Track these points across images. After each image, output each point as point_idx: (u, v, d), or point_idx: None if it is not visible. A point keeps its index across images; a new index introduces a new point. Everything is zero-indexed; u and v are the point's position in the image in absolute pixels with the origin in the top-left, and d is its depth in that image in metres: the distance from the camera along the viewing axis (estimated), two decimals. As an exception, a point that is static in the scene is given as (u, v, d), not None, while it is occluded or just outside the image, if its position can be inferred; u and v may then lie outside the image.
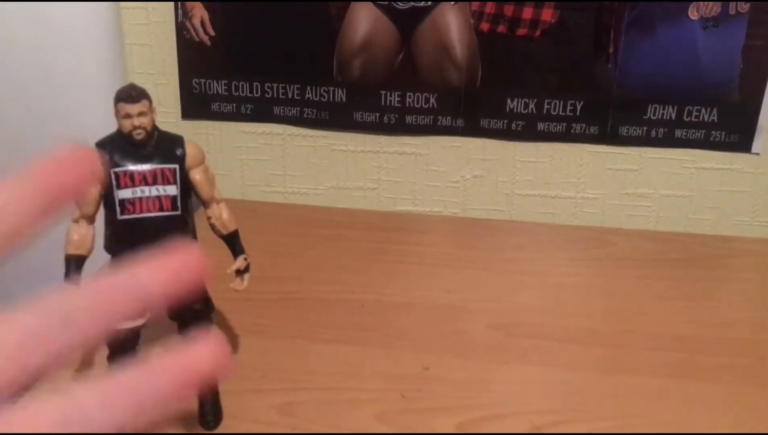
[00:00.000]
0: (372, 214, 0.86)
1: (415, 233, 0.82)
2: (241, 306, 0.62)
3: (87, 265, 0.46)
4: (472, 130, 0.83)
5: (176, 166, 0.46)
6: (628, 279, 0.72)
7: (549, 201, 0.85)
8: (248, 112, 0.85)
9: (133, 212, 0.45)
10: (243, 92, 0.84)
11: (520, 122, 0.81)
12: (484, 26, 0.78)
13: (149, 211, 0.45)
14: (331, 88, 0.82)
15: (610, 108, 0.80)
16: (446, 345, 0.60)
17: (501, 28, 0.78)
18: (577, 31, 0.77)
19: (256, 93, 0.84)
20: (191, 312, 0.49)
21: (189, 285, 0.19)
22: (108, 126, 0.46)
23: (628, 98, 0.79)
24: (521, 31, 0.77)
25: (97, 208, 0.45)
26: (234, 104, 0.85)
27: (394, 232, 0.81)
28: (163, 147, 0.46)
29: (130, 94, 0.44)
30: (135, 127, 0.44)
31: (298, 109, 0.84)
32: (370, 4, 0.78)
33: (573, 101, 0.80)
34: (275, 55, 0.82)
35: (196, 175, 0.47)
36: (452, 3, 0.77)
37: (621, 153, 0.82)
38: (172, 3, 0.81)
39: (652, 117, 0.79)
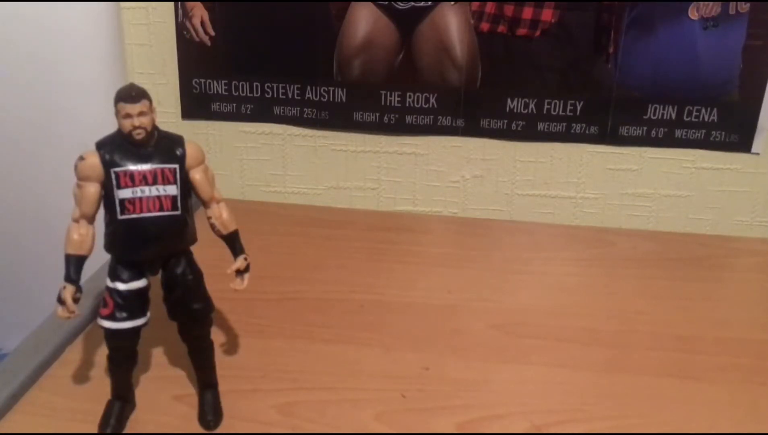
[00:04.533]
0: (372, 214, 0.86)
1: (415, 233, 0.82)
2: (241, 306, 0.62)
3: (87, 265, 0.46)
4: (472, 130, 0.83)
5: (176, 166, 0.46)
6: (628, 279, 0.72)
7: (549, 201, 0.85)
8: (248, 112, 0.85)
9: (133, 212, 0.45)
10: (243, 92, 0.84)
11: (520, 122, 0.81)
12: (484, 26, 0.78)
13: (149, 211, 0.45)
14: (331, 88, 0.82)
15: (610, 108, 0.80)
16: (446, 345, 0.60)
17: (501, 28, 0.78)
18: (577, 31, 0.77)
19: (256, 93, 0.84)
20: (191, 312, 0.49)
21: None
22: (108, 126, 0.46)
23: (628, 98, 0.79)
24: (521, 31, 0.77)
25: (97, 208, 0.45)
26: (234, 104, 0.85)
27: (394, 232, 0.81)
28: (163, 147, 0.46)
29: (130, 94, 0.44)
30: (135, 127, 0.44)
31: (298, 109, 0.84)
32: (370, 4, 0.78)
33: (573, 101, 0.80)
34: (275, 55, 0.82)
35: (196, 175, 0.47)
36: (452, 3, 0.77)
37: (621, 153, 0.82)
38: (172, 3, 0.81)
39: (652, 117, 0.79)
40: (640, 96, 0.79)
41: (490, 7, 0.77)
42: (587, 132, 0.81)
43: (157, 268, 0.48)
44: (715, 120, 0.79)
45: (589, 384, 0.56)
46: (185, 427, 0.50)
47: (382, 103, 0.82)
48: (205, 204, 0.48)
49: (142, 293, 0.48)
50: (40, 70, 0.80)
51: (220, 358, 0.53)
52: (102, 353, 0.51)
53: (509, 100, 0.81)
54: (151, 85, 0.82)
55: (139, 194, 0.45)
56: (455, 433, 0.50)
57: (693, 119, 0.79)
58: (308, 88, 0.83)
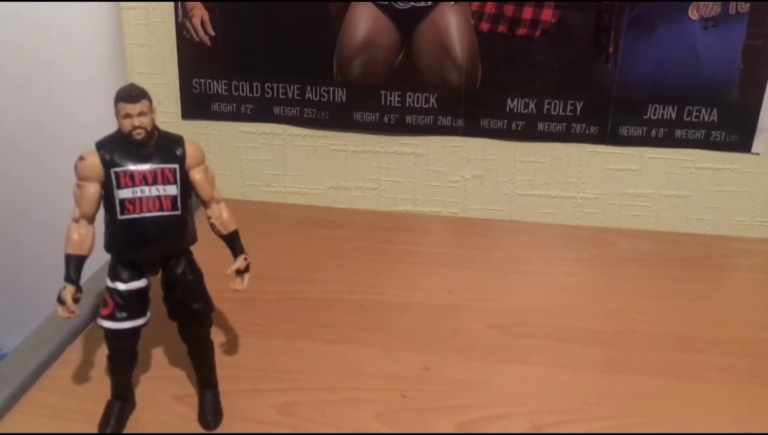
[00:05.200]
0: (372, 214, 0.86)
1: (415, 233, 0.82)
2: (241, 306, 0.62)
3: (87, 265, 0.46)
4: (472, 130, 0.83)
5: (176, 166, 0.46)
6: (628, 279, 0.72)
7: (549, 201, 0.85)
8: (248, 112, 0.85)
9: (133, 212, 0.45)
10: (243, 92, 0.84)
11: (520, 122, 0.81)
12: (484, 26, 0.78)
13: (149, 211, 0.45)
14: (331, 88, 0.82)
15: (610, 108, 0.80)
16: (446, 345, 0.60)
17: (501, 28, 0.78)
18: (577, 31, 0.77)
19: (256, 93, 0.84)
20: (191, 312, 0.49)
21: None
22: (108, 126, 0.46)
23: (628, 98, 0.79)
24: (521, 31, 0.77)
25: (97, 208, 0.45)
26: (234, 104, 0.85)
27: (394, 232, 0.81)
28: (163, 147, 0.46)
29: (130, 94, 0.44)
30: (135, 127, 0.44)
31: (298, 109, 0.84)
32: (370, 4, 0.78)
33: (573, 101, 0.80)
34: (275, 55, 0.82)
35: (196, 175, 0.47)
36: (452, 3, 0.77)
37: (621, 153, 0.82)
38: (172, 3, 0.81)
39: (652, 117, 0.79)
40: (640, 96, 0.79)
41: (490, 7, 0.77)
42: (587, 132, 0.81)
43: (157, 268, 0.48)
44: (715, 120, 0.79)
45: (589, 384, 0.56)
46: (185, 427, 0.50)
47: (382, 103, 0.82)
48: (205, 204, 0.48)
49: (142, 293, 0.48)
50: (40, 70, 0.80)
51: (220, 358, 0.53)
52: (102, 353, 0.51)
53: (509, 100, 0.81)
54: (151, 85, 0.82)
55: (139, 194, 0.45)
56: (455, 433, 0.50)
57: (693, 119, 0.79)
58: (308, 88, 0.83)
